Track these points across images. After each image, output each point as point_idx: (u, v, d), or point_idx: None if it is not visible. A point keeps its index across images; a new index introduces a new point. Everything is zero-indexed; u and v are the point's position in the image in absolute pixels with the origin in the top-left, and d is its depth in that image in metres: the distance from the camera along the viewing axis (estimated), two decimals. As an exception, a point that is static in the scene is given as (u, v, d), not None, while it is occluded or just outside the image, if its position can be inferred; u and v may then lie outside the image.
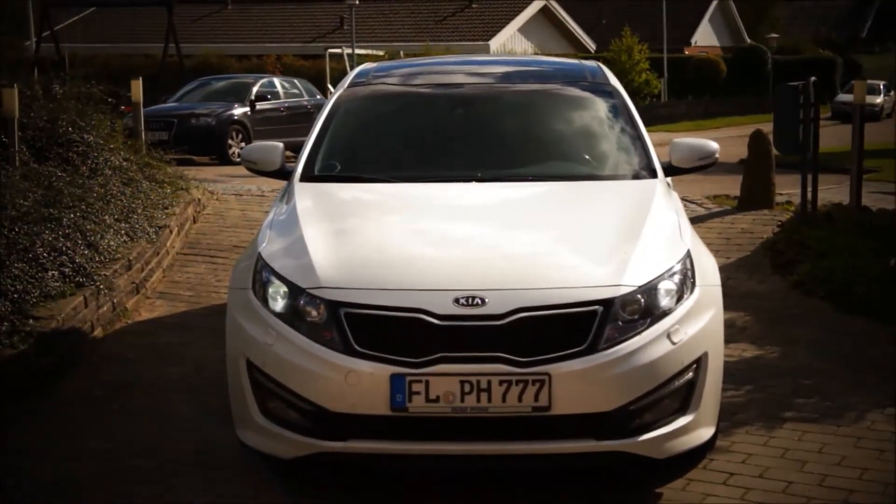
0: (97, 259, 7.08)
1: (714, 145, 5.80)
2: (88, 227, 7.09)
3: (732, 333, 6.90)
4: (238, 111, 20.60)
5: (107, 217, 7.50)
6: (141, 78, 11.57)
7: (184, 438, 5.39)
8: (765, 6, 65.01)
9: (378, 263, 4.68)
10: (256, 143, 5.94)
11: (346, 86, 6.33)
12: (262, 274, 4.74)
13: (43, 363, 5.98)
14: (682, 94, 43.06)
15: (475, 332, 4.34)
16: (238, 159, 20.00)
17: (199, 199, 10.46)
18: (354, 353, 4.36)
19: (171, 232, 8.85)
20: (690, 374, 4.58)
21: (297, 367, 4.46)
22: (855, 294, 7.58)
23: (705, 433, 4.72)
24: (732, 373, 6.15)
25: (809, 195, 9.44)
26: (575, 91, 6.23)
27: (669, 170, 5.76)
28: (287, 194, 5.51)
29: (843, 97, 37.55)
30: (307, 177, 5.65)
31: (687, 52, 49.52)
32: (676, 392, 4.55)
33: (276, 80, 23.09)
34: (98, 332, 6.87)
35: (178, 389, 6.10)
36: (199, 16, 50.29)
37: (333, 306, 4.44)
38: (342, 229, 5.03)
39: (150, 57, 33.94)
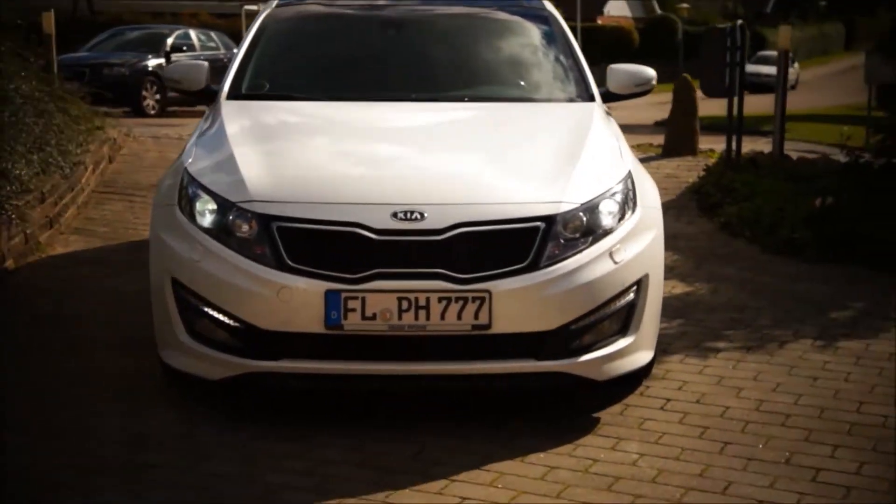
0: (8, 189, 6.76)
1: (651, 71, 5.71)
2: (-1, 155, 6.78)
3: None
4: (153, 62, 20.11)
5: (18, 146, 7.17)
6: (53, 12, 11.13)
7: (106, 367, 5.15)
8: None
9: (313, 178, 4.51)
10: (180, 62, 5.70)
11: (272, 6, 6.12)
12: (188, 189, 4.53)
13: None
14: (595, 61, 43.13)
15: (413, 247, 4.19)
16: (153, 112, 19.59)
17: (114, 139, 10.14)
18: (287, 268, 4.19)
19: (86, 169, 8.55)
20: (631, 296, 4.50)
21: (225, 284, 4.27)
22: (781, 235, 7.59)
23: (644, 356, 4.65)
24: (664, 308, 6.04)
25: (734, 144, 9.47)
26: (510, 14, 6.10)
27: (607, 96, 5.66)
28: (213, 113, 5.29)
29: (753, 67, 37.82)
30: (234, 95, 5.43)
31: (600, 22, 49.76)
32: (617, 313, 4.47)
33: (192, 32, 22.64)
34: (10, 264, 6.59)
35: (97, 321, 5.85)
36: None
37: (265, 220, 4.25)
38: (273, 147, 4.83)
39: (61, 13, 32.94)
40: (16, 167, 6.94)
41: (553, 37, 5.89)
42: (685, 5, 53.54)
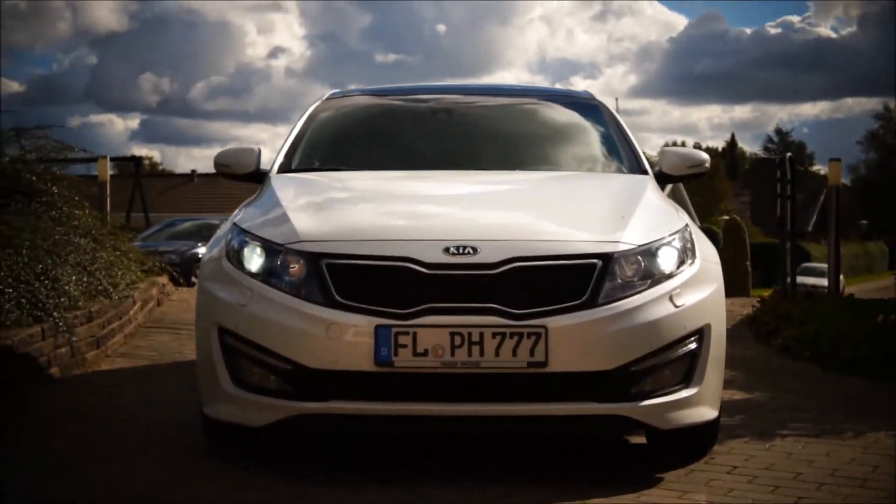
0: (56, 300, 6.70)
1: (704, 155, 5.63)
2: (49, 261, 6.75)
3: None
4: (202, 250, 20.39)
5: (69, 262, 7.17)
6: (108, 158, 11.38)
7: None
8: (715, 200, 66.94)
9: (363, 218, 4.46)
10: (230, 147, 5.67)
11: (322, 99, 6.16)
12: (237, 240, 4.46)
13: (-6, 378, 5.58)
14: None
15: (466, 281, 4.06)
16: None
17: (164, 285, 10.15)
18: (336, 304, 4.07)
19: (134, 303, 8.50)
20: (693, 345, 4.31)
21: (272, 324, 4.14)
22: (843, 354, 7.35)
23: (708, 412, 4.43)
24: (724, 406, 5.81)
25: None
26: (562, 102, 6.13)
27: (660, 177, 5.55)
28: (262, 186, 5.26)
29: (800, 279, 37.59)
30: (284, 171, 5.42)
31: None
32: (679, 361, 4.27)
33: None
34: (55, 371, 6.46)
35: (138, 422, 5.63)
36: (167, 188, 50.72)
37: (314, 258, 4.15)
38: (324, 198, 4.80)
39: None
40: (64, 278, 6.92)
41: (603, 122, 5.87)
42: (725, 217, 54.20)
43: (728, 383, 6.84)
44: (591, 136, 5.86)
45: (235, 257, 4.40)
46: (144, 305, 9.00)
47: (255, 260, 4.32)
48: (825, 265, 40.45)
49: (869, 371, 7.13)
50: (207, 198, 44.07)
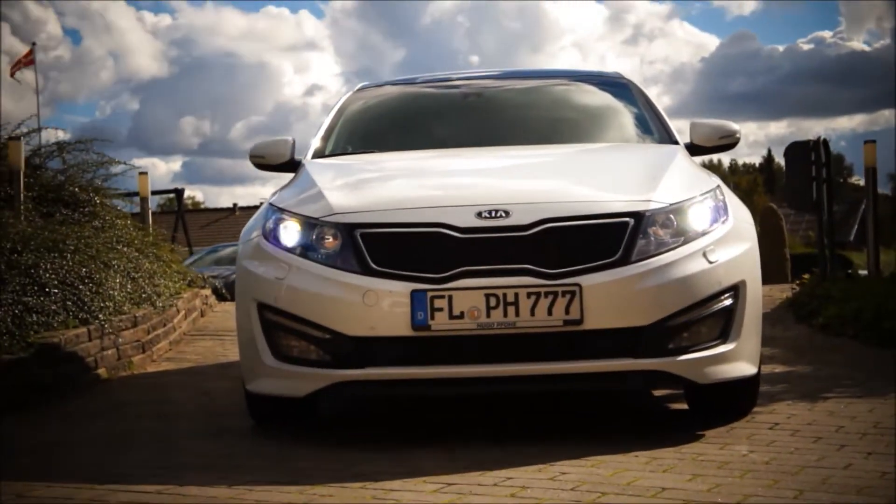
0: (101, 303, 6.82)
1: (735, 125, 5.64)
2: (94, 266, 6.87)
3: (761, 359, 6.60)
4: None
5: (113, 268, 7.29)
6: (148, 174, 11.62)
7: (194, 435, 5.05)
8: (754, 214, 66.67)
9: (395, 190, 4.53)
10: (265, 139, 5.76)
11: (353, 91, 6.26)
12: (273, 218, 4.55)
13: (44, 376, 5.68)
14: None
15: (499, 243, 4.12)
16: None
17: (206, 297, 10.27)
18: (372, 272, 4.13)
19: (178, 311, 8.62)
20: (728, 301, 4.33)
21: (310, 294, 4.21)
22: (885, 328, 7.30)
23: (748, 368, 4.45)
24: (765, 379, 5.83)
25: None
26: (592, 82, 6.20)
27: (691, 149, 5.57)
28: (297, 172, 5.34)
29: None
30: (318, 157, 5.51)
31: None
32: (715, 316, 4.30)
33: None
34: (102, 372, 6.57)
35: (186, 410, 5.74)
36: (210, 221, 51.07)
37: (349, 229, 4.23)
38: (358, 177, 4.89)
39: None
40: (108, 283, 7.03)
41: (633, 100, 5.91)
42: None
43: (769, 359, 6.85)
44: (622, 113, 5.90)
45: (272, 234, 4.48)
46: (188, 315, 9.12)
47: (291, 236, 4.40)
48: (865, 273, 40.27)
49: (912, 343, 7.08)
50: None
